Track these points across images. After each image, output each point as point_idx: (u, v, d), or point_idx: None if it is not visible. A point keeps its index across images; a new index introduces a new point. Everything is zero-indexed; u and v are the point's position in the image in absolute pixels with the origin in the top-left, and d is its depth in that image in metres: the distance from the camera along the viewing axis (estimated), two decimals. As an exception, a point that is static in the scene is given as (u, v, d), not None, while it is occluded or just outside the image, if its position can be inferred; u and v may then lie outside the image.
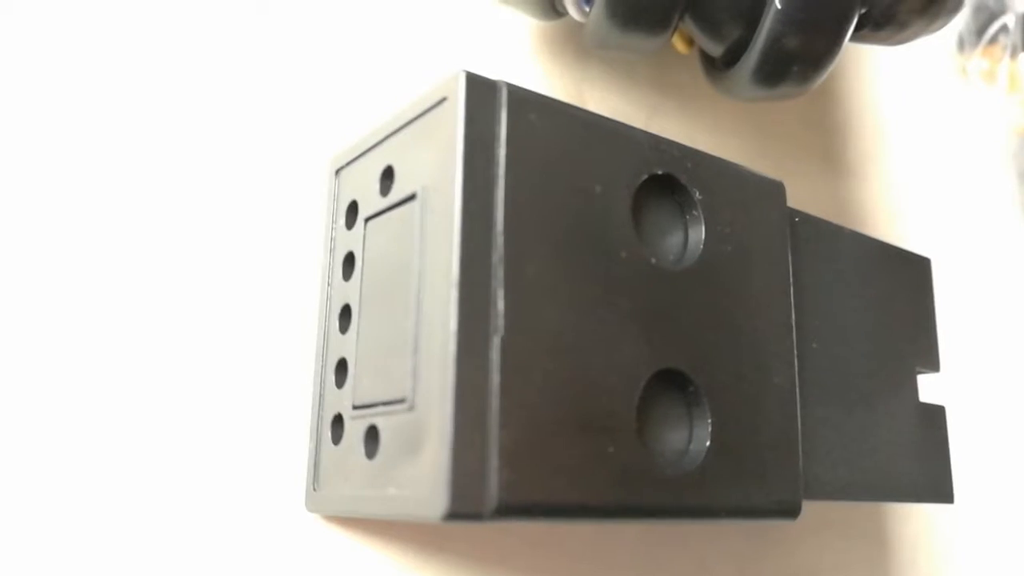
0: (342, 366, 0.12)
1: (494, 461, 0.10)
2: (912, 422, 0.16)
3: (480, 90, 0.11)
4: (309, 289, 0.14)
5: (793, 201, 0.14)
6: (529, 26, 0.17)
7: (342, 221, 0.13)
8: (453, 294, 0.10)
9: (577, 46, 0.18)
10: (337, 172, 0.14)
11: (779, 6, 0.14)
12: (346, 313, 0.13)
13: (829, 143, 0.22)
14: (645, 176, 0.12)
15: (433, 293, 0.11)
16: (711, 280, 0.13)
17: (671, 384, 0.12)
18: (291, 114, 0.14)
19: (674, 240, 0.13)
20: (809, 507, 0.18)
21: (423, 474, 0.10)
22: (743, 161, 0.19)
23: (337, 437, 0.12)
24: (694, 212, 0.13)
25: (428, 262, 0.11)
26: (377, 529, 0.13)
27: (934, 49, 0.25)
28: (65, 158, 0.12)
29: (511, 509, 0.10)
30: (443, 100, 0.11)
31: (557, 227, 0.11)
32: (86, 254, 0.12)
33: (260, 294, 0.13)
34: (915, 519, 0.21)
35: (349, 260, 0.13)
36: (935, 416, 0.16)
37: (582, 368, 0.11)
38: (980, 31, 0.25)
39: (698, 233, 0.13)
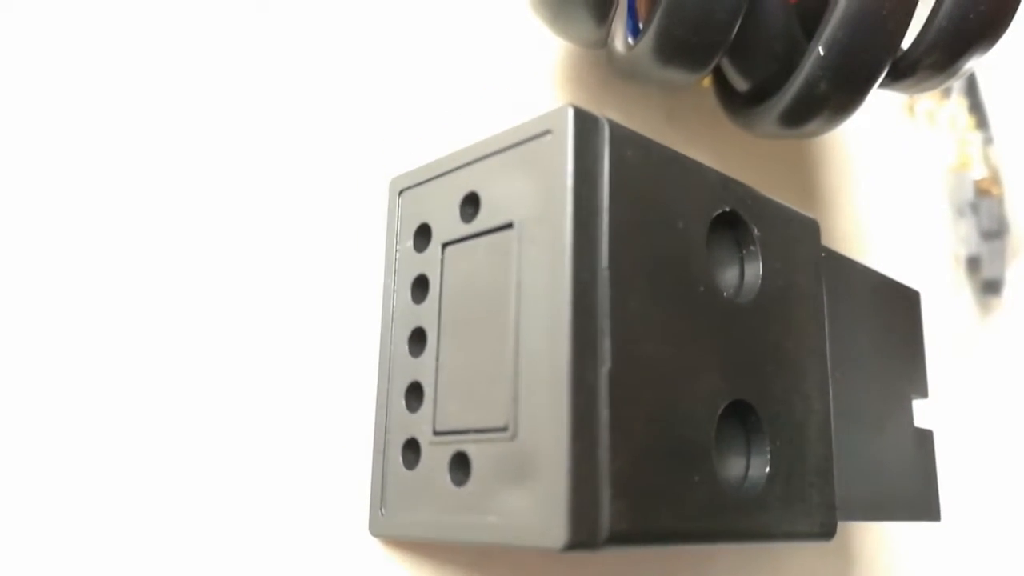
0: (415, 390, 0.12)
1: (606, 491, 0.10)
2: (908, 445, 0.17)
3: (586, 125, 0.11)
4: (368, 309, 0.13)
5: None
6: (548, 54, 0.17)
7: (409, 243, 0.13)
8: (565, 327, 0.10)
9: (596, 75, 0.18)
10: (400, 192, 0.13)
11: (822, 52, 0.15)
12: (418, 337, 0.13)
13: (802, 176, 0.23)
14: (716, 212, 0.13)
15: (538, 324, 0.11)
16: (767, 313, 0.13)
17: (733, 414, 0.13)
18: (350, 133, 0.14)
19: (731, 274, 0.13)
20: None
21: (534, 504, 0.10)
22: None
23: (411, 462, 0.12)
24: (752, 248, 0.13)
25: (529, 293, 0.11)
26: (436, 552, 0.13)
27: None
28: (118, 171, 0.12)
29: (621, 537, 0.10)
30: (546, 132, 0.11)
31: (650, 261, 0.12)
32: (147, 272, 0.12)
33: (318, 314, 0.13)
34: (872, 533, 0.22)
35: (420, 283, 0.13)
36: (926, 439, 0.17)
37: (673, 399, 0.11)
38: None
39: (755, 268, 0.13)
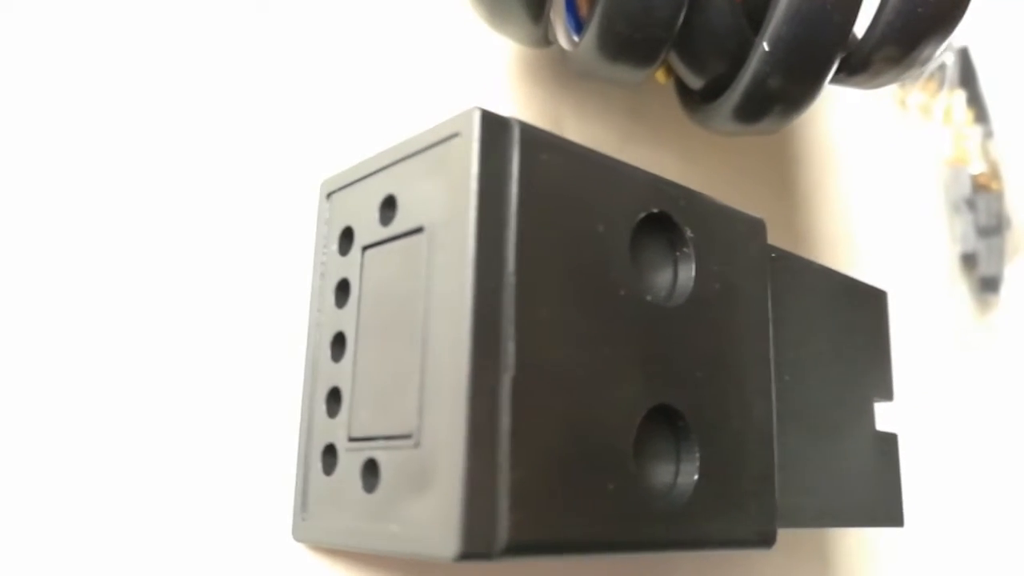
0: (335, 395, 0.12)
1: (504, 501, 0.10)
2: (869, 449, 0.17)
3: (494, 127, 0.11)
4: (296, 312, 0.13)
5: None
6: (508, 53, 0.17)
7: (335, 247, 0.13)
8: (466, 333, 0.10)
9: (554, 73, 0.18)
10: (329, 196, 0.13)
11: (766, 48, 0.14)
12: (339, 341, 0.12)
13: (784, 172, 0.23)
14: (643, 214, 0.12)
15: (442, 330, 0.11)
16: (701, 316, 0.13)
17: (661, 419, 0.12)
18: (280, 135, 0.14)
19: (664, 277, 0.13)
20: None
21: (432, 513, 0.10)
22: (707, 190, 0.20)
23: (329, 467, 0.12)
24: (685, 249, 0.13)
25: (436, 298, 0.11)
26: (365, 559, 0.13)
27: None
28: (45, 177, 0.12)
29: (520, 547, 0.10)
30: (455, 135, 0.11)
31: (563, 265, 0.11)
32: (67, 272, 0.12)
33: (245, 316, 0.13)
34: (852, 536, 0.22)
35: (343, 287, 0.13)
36: (888, 443, 0.17)
37: (586, 406, 0.11)
38: (921, 68, 0.26)
39: (688, 270, 0.13)
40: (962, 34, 0.28)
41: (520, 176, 0.11)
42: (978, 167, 0.28)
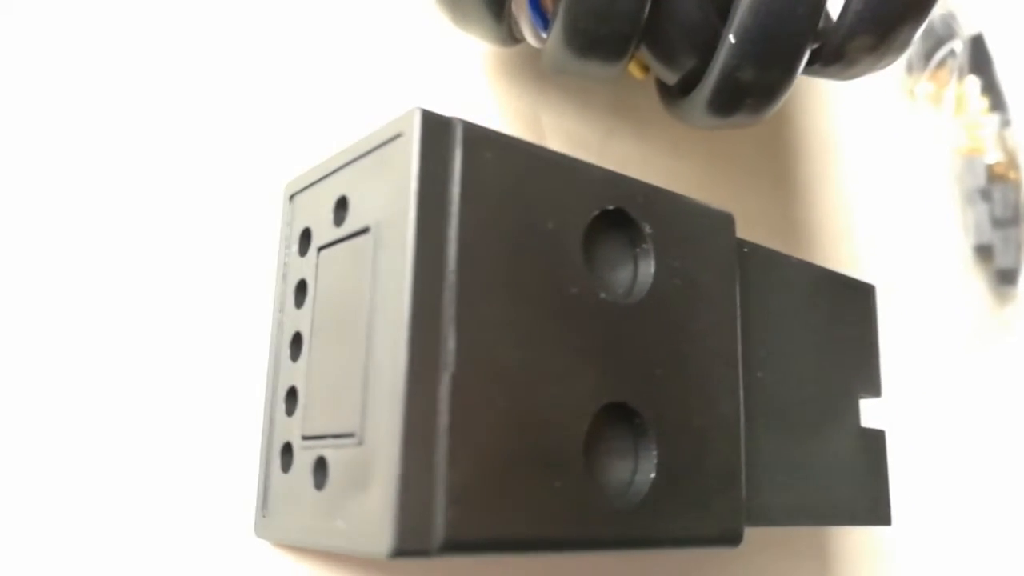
0: (292, 394, 0.12)
1: (441, 499, 0.10)
2: (853, 447, 0.16)
3: (435, 127, 0.11)
4: (264, 314, 0.13)
5: (746, 223, 0.15)
6: (485, 51, 0.17)
7: (295, 248, 0.13)
8: (403, 332, 0.10)
9: (534, 70, 0.18)
10: (291, 197, 0.14)
11: (732, 40, 0.14)
12: (297, 341, 0.13)
13: (782, 164, 0.22)
14: (597, 211, 0.12)
15: (384, 329, 0.11)
16: (660, 313, 0.13)
17: (619, 417, 0.12)
18: (247, 137, 0.14)
19: (624, 274, 0.13)
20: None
21: (370, 510, 0.10)
22: (697, 184, 0.20)
23: (287, 465, 0.12)
24: (644, 246, 0.13)
25: (379, 297, 0.11)
26: (326, 556, 0.13)
27: (883, 72, 0.26)
28: (5, 178, 0.12)
29: (459, 545, 0.10)
30: (398, 136, 0.11)
31: (509, 264, 0.11)
32: (30, 274, 0.12)
33: (213, 317, 0.13)
34: (856, 536, 0.21)
35: (301, 288, 0.13)
36: (875, 440, 0.17)
37: (531, 404, 0.11)
38: (928, 55, 0.26)
39: (648, 267, 0.13)
40: (976, 21, 0.27)
41: (462, 175, 0.11)
42: (994, 156, 0.28)
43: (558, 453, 0.11)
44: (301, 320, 0.13)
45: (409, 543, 0.10)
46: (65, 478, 0.12)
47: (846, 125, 0.24)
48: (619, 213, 0.13)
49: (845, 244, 0.23)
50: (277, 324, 0.13)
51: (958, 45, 0.25)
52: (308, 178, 0.13)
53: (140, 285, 0.13)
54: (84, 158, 0.13)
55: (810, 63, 0.15)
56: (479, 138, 0.11)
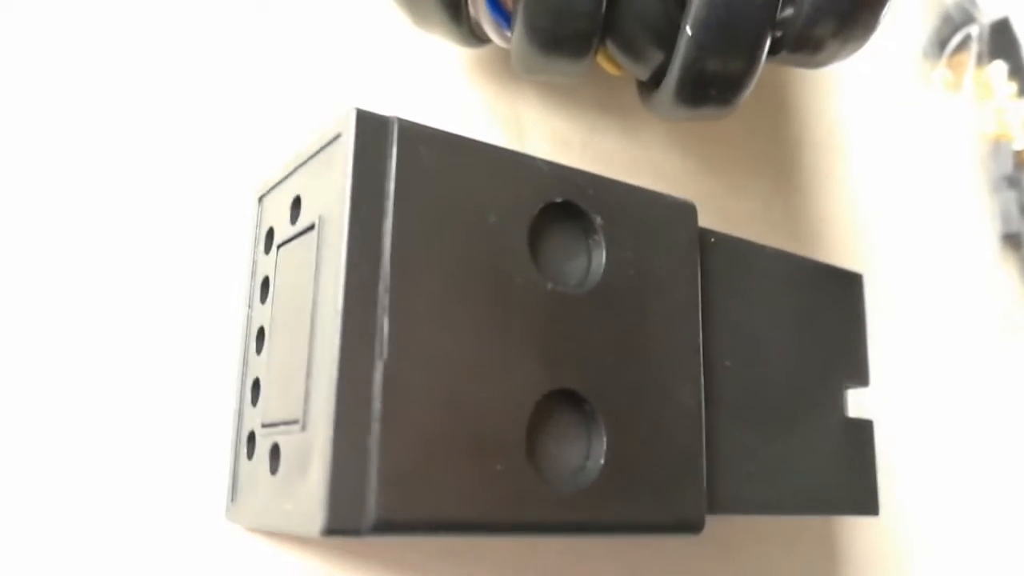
0: (256, 385, 0.13)
1: (373, 482, 0.11)
2: (837, 437, 0.16)
3: (371, 126, 0.11)
4: (238, 311, 0.14)
5: (745, 217, 0.15)
6: (463, 51, 0.18)
7: (262, 246, 0.14)
8: (337, 321, 0.11)
9: (509, 71, 0.18)
10: (260, 199, 0.14)
11: (690, 32, 0.14)
12: (261, 335, 0.13)
13: (783, 156, 0.22)
14: (542, 204, 0.13)
15: (323, 320, 0.11)
16: (611, 303, 0.13)
17: (569, 404, 0.13)
18: (221, 141, 0.15)
19: (578, 264, 0.13)
20: (752, 517, 0.19)
21: (308, 492, 0.11)
22: (687, 178, 0.20)
23: (251, 452, 0.13)
24: (595, 237, 0.13)
25: (320, 290, 0.11)
26: (291, 539, 0.14)
27: (897, 59, 0.25)
28: (-2, 189, 0.13)
29: (390, 525, 0.11)
30: (338, 136, 0.12)
31: (448, 256, 0.12)
32: (6, 271, 0.13)
33: (193, 315, 0.14)
34: (862, 529, 0.21)
35: (265, 284, 0.13)
36: (862, 430, 0.16)
37: (471, 390, 0.12)
38: (944, 42, 0.25)
39: (599, 257, 0.13)
40: (1000, 5, 0.26)
41: (397, 171, 0.11)
42: (1023, 143, 0.27)
43: (498, 438, 0.12)
44: (265, 315, 0.13)
45: (340, 522, 0.10)
46: (43, 462, 0.13)
47: (854, 115, 0.24)
48: (569, 206, 0.13)
49: (854, 238, 0.23)
50: (247, 319, 0.14)
51: (975, 30, 0.25)
52: (273, 180, 0.14)
53: (128, 284, 0.14)
54: (84, 159, 0.14)
55: (776, 51, 0.15)
56: (415, 135, 0.12)
